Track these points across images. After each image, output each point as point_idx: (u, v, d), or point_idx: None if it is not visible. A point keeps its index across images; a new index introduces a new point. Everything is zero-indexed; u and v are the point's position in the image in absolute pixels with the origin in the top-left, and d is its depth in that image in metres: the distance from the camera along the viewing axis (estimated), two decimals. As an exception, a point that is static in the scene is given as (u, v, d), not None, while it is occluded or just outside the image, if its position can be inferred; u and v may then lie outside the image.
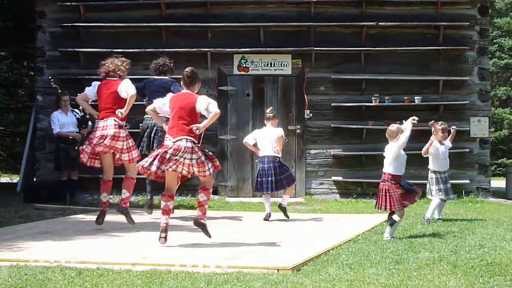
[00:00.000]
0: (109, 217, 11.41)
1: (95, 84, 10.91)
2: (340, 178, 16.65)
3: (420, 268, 7.75)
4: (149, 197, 12.28)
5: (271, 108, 13.17)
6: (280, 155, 12.59)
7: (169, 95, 9.63)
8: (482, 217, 12.85)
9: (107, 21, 16.78)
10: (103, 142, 10.39)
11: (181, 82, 9.54)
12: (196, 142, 9.24)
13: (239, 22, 16.72)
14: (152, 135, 12.04)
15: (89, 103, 11.22)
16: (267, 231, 11.08)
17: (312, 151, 16.57)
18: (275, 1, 16.84)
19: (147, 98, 12.00)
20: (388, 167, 10.21)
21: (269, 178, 12.27)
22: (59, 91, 15.19)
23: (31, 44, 18.38)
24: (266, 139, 12.49)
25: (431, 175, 12.36)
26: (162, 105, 9.53)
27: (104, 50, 16.43)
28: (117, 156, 10.66)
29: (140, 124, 12.49)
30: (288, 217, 12.47)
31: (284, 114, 16.43)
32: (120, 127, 10.52)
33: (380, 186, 10.29)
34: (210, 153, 9.49)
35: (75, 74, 16.55)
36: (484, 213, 13.76)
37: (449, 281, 7.10)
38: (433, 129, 12.55)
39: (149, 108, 9.83)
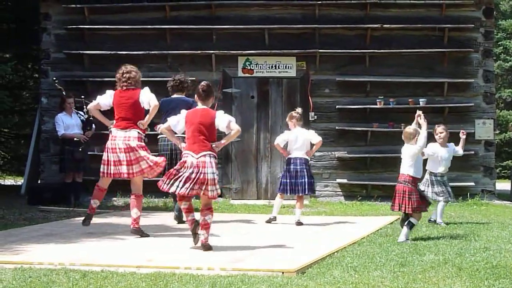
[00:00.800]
0: (113, 220, 11.44)
1: (110, 93, 10.61)
2: (344, 181, 16.64)
3: (425, 270, 7.73)
4: (177, 212, 12.09)
5: (299, 108, 12.87)
6: (310, 159, 12.59)
7: (184, 111, 9.52)
8: (487, 220, 12.83)
9: (111, 23, 16.79)
10: (125, 158, 10.22)
11: (196, 97, 9.49)
12: (216, 156, 9.23)
13: (244, 24, 16.72)
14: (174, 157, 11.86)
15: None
16: (272, 233, 11.07)
17: (317, 153, 16.51)
18: (279, 3, 16.84)
19: (164, 117, 11.67)
20: (408, 169, 10.28)
21: (303, 180, 12.12)
22: (64, 93, 15.19)
23: (35, 46, 18.40)
24: (299, 141, 12.31)
25: (426, 177, 12.28)
26: (176, 123, 9.43)
27: (109, 52, 16.49)
28: (132, 169, 10.30)
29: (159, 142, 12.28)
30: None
31: (289, 116, 16.42)
32: (142, 139, 10.39)
33: (398, 187, 10.29)
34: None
35: (80, 76, 16.58)
36: (489, 215, 13.74)
37: (454, 284, 7.08)
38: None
39: (163, 127, 9.66)
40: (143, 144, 10.38)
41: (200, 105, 9.37)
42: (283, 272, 7.54)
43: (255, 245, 9.55)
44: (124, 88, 10.47)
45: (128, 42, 16.69)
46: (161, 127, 9.84)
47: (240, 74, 16.78)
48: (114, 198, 15.60)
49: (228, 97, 16.60)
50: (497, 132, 26.78)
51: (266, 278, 7.26)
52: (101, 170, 10.42)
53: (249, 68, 16.74)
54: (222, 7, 16.88)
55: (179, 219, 11.96)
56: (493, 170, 16.97)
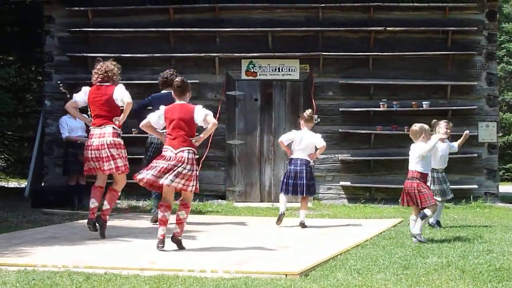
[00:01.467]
0: (116, 222, 11.44)
1: (85, 89, 10.60)
2: (348, 183, 16.64)
3: (428, 273, 7.73)
4: (155, 212, 11.79)
5: (310, 110, 12.75)
6: (312, 162, 12.50)
7: (162, 107, 9.58)
8: (490, 222, 12.82)
9: (115, 26, 16.82)
10: (99, 155, 10.18)
11: (172, 93, 9.55)
12: (196, 154, 9.32)
13: (247, 27, 16.73)
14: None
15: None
16: (275, 236, 11.06)
17: (320, 156, 16.42)
18: (283, 6, 16.85)
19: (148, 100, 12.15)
20: (416, 165, 10.35)
21: (301, 181, 12.00)
22: (68, 95, 15.19)
23: (39, 49, 18.42)
24: (303, 142, 12.20)
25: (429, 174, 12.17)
26: (157, 119, 9.51)
27: (112, 55, 16.44)
28: (109, 166, 10.26)
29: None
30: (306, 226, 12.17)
31: (292, 119, 16.42)
32: (118, 135, 10.31)
33: (407, 183, 10.36)
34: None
35: (83, 79, 16.50)
36: (492, 218, 13.73)
37: (457, 287, 7.09)
38: (436, 129, 12.35)
39: (143, 124, 9.66)
40: (118, 140, 10.29)
41: (178, 101, 9.43)
42: (286, 275, 7.53)
43: (259, 248, 9.55)
44: (98, 83, 10.46)
45: (131, 44, 16.72)
46: (141, 124, 9.77)
47: (244, 76, 16.78)
48: (118, 201, 15.59)
49: (231, 99, 16.62)
50: (500, 134, 26.74)
51: (269, 281, 7.26)
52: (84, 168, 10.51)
53: (252, 70, 16.75)
54: (225, 10, 16.89)
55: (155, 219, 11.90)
56: (496, 172, 16.97)
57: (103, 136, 10.23)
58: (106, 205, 10.44)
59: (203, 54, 16.61)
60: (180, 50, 16.64)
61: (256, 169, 16.72)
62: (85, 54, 16.68)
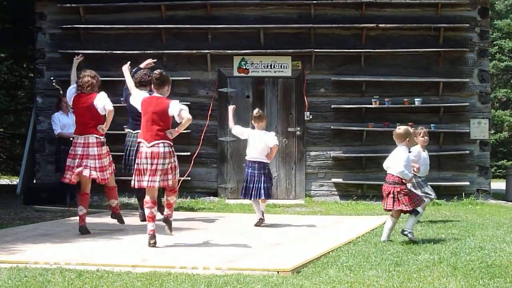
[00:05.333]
0: (109, 219, 11.43)
1: (73, 90, 10.82)
2: (340, 180, 16.63)
3: (420, 270, 7.74)
4: (141, 212, 11.96)
5: (257, 109, 12.33)
6: (269, 162, 12.06)
7: (143, 94, 9.83)
8: (482, 219, 12.83)
9: (107, 23, 16.78)
10: (88, 166, 10.38)
11: (152, 86, 9.61)
12: (172, 145, 9.41)
13: (239, 24, 16.71)
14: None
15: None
16: (267, 233, 11.07)
17: (312, 153, 16.55)
18: (275, 2, 16.82)
19: (124, 99, 12.43)
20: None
21: (259, 185, 11.73)
22: (61, 92, 15.17)
23: (31, 46, 18.38)
24: (257, 143, 11.86)
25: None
26: (135, 97, 9.75)
27: (104, 52, 16.49)
28: (98, 175, 10.47)
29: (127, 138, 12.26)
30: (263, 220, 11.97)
31: (284, 116, 16.45)
32: (102, 144, 10.53)
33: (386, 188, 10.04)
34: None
35: (75, 76, 16.54)
36: (484, 215, 13.76)
37: (449, 283, 7.10)
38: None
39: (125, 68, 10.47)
40: (102, 150, 10.51)
41: (155, 94, 9.52)
42: (278, 272, 7.55)
43: (251, 245, 9.56)
44: (79, 92, 10.67)
45: (123, 41, 16.68)
46: (124, 67, 10.60)
47: (236, 73, 16.76)
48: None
49: (223, 96, 16.60)
50: (492, 131, 26.83)
51: (261, 278, 7.27)
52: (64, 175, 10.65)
53: (244, 67, 16.74)
54: (217, 7, 16.86)
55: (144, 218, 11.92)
56: (488, 169, 16.97)
57: (87, 146, 10.44)
58: (113, 202, 10.95)
59: (195, 51, 16.59)
60: (172, 47, 16.63)
61: (248, 166, 16.71)
62: (76, 51, 16.59)
